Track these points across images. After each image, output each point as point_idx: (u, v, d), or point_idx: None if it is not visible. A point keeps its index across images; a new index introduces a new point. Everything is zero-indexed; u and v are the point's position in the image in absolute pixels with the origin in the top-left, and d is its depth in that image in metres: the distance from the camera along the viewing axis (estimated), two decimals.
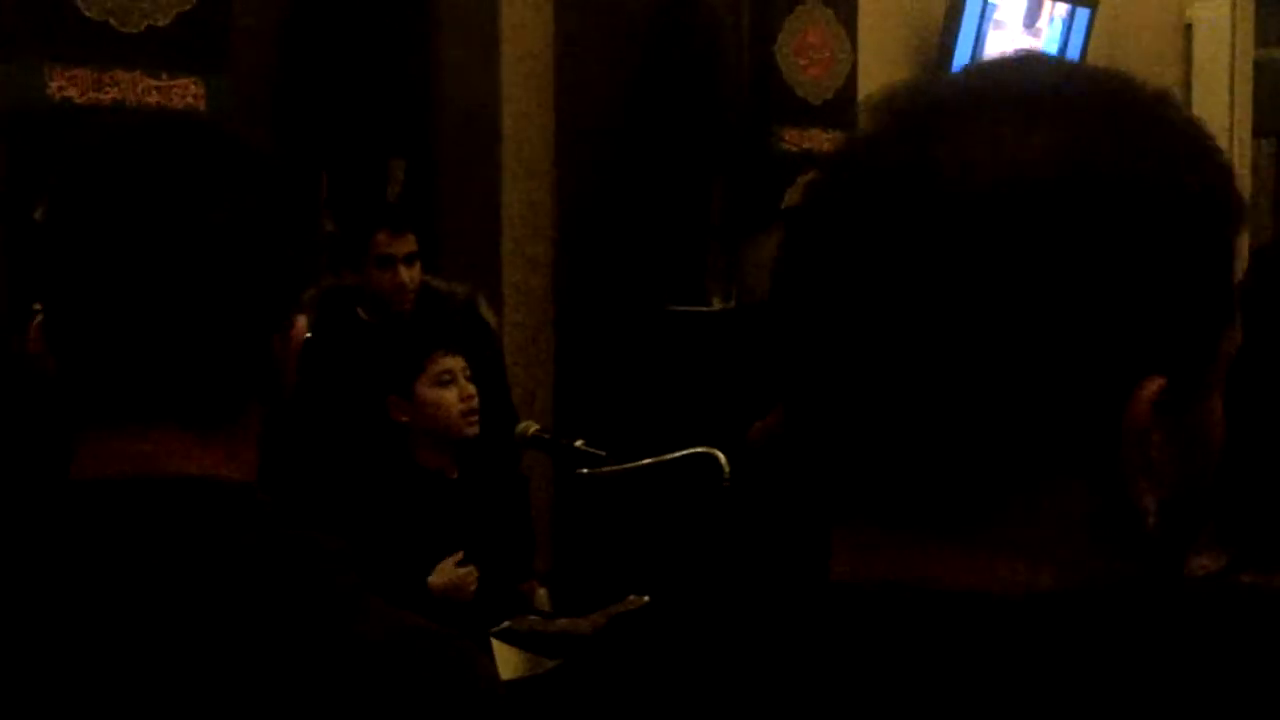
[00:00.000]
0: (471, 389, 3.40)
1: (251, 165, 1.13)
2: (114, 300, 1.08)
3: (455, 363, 3.42)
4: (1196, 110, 0.73)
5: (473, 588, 3.27)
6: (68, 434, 1.11)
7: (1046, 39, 6.53)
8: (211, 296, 1.08)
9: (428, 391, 3.36)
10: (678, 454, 3.06)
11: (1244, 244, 0.78)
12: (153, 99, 3.76)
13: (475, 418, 3.39)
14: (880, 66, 6.02)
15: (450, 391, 3.36)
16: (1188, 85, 7.34)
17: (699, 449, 3.07)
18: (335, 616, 1.04)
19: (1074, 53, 6.58)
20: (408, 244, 4.01)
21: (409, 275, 4.00)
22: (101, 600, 1.03)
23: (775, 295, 0.79)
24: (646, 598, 3.25)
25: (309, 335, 1.29)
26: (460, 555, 3.28)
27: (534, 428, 3.44)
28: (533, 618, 3.38)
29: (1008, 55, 0.80)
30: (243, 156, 1.13)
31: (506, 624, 3.27)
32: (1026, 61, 0.79)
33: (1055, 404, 0.70)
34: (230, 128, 1.21)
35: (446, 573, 3.25)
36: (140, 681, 1.01)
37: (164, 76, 3.79)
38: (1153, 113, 0.74)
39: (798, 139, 5.56)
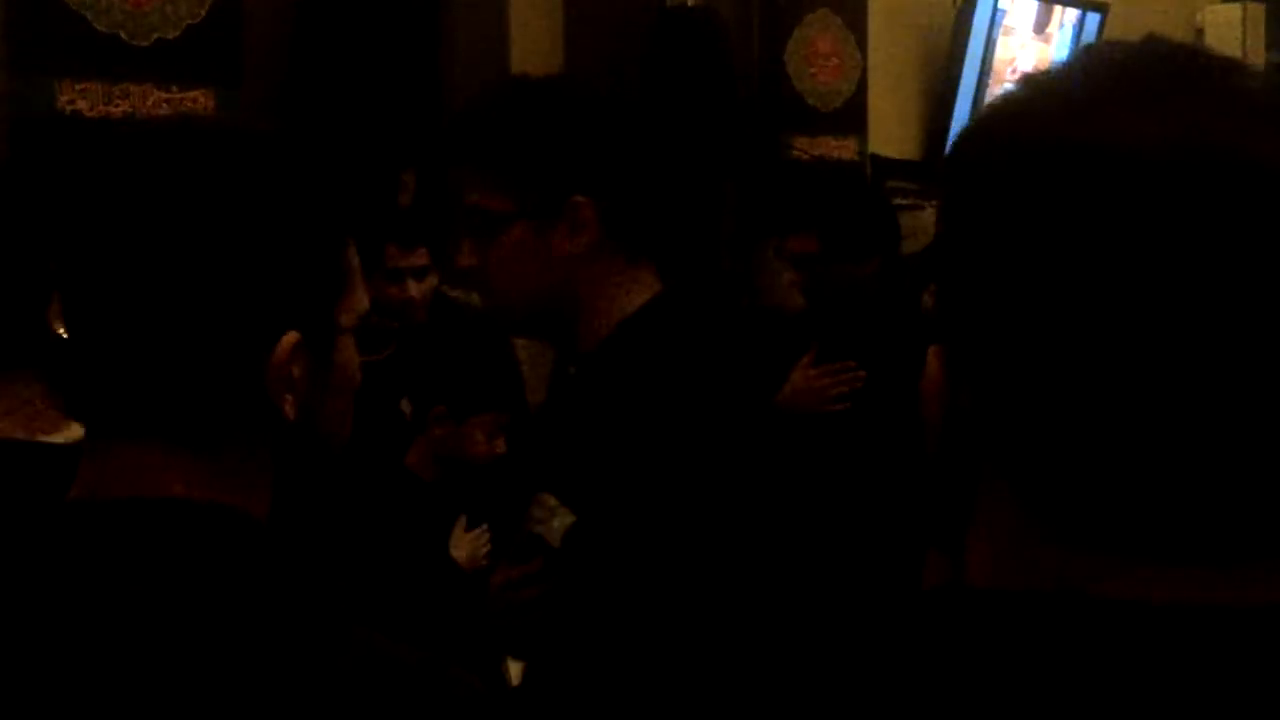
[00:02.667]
0: (502, 445, 3.39)
1: (250, 180, 1.10)
2: (98, 313, 1.07)
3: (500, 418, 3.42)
4: None
5: (486, 549, 3.26)
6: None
7: (1057, 44, 6.51)
8: (196, 311, 1.06)
9: (480, 433, 3.34)
10: None
11: None
12: (163, 111, 3.76)
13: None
14: (889, 73, 6.02)
15: (497, 444, 3.35)
16: None
17: None
18: (312, 647, 1.01)
19: None
20: (419, 258, 3.92)
21: (419, 289, 3.92)
22: (69, 626, 1.01)
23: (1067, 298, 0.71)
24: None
25: (387, 353, 1.26)
26: (463, 519, 3.28)
27: None
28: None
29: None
30: (245, 170, 1.10)
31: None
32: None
33: None
34: (246, 129, 1.18)
35: (465, 545, 3.26)
36: (105, 707, 0.99)
37: (174, 89, 3.79)
38: None
39: (808, 146, 5.56)
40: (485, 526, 3.30)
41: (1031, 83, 0.77)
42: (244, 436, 1.09)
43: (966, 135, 0.78)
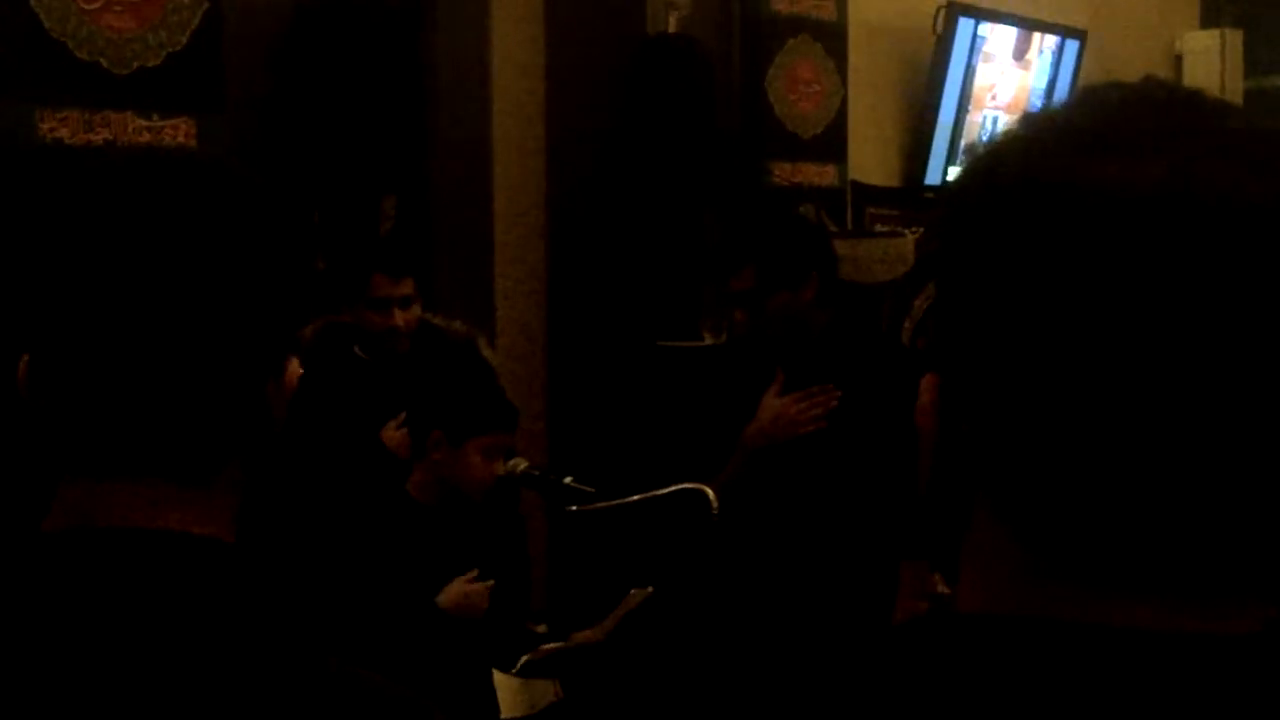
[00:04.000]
0: (501, 467, 3.40)
1: (241, 207, 1.10)
2: (93, 350, 1.06)
3: (510, 441, 3.44)
4: None
5: (484, 605, 3.27)
6: (48, 480, 1.10)
7: (1036, 71, 6.54)
8: (201, 346, 1.05)
9: (477, 455, 3.34)
10: (666, 490, 3.06)
11: None
12: (144, 139, 3.76)
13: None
14: (870, 100, 6.04)
15: (496, 465, 3.36)
16: None
17: (687, 485, 3.07)
18: (290, 678, 1.01)
19: (1064, 84, 6.60)
20: (405, 287, 3.97)
21: (404, 318, 3.96)
22: (50, 656, 1.01)
23: (1008, 327, 0.74)
24: (650, 588, 3.24)
25: (301, 373, 1.28)
26: (475, 573, 3.28)
27: (523, 465, 3.44)
28: (548, 646, 3.39)
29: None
30: (232, 198, 1.10)
31: (525, 659, 3.27)
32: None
33: None
34: (219, 164, 1.18)
35: (455, 591, 3.25)
36: None
37: (155, 117, 3.79)
38: None
39: (789, 173, 5.58)
40: (476, 573, 3.29)
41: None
42: (226, 469, 1.09)
43: (968, 171, 0.80)
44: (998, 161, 0.78)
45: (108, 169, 1.12)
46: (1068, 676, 0.71)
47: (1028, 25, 6.45)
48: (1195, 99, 0.77)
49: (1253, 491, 0.71)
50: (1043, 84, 6.57)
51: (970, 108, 6.22)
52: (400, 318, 3.96)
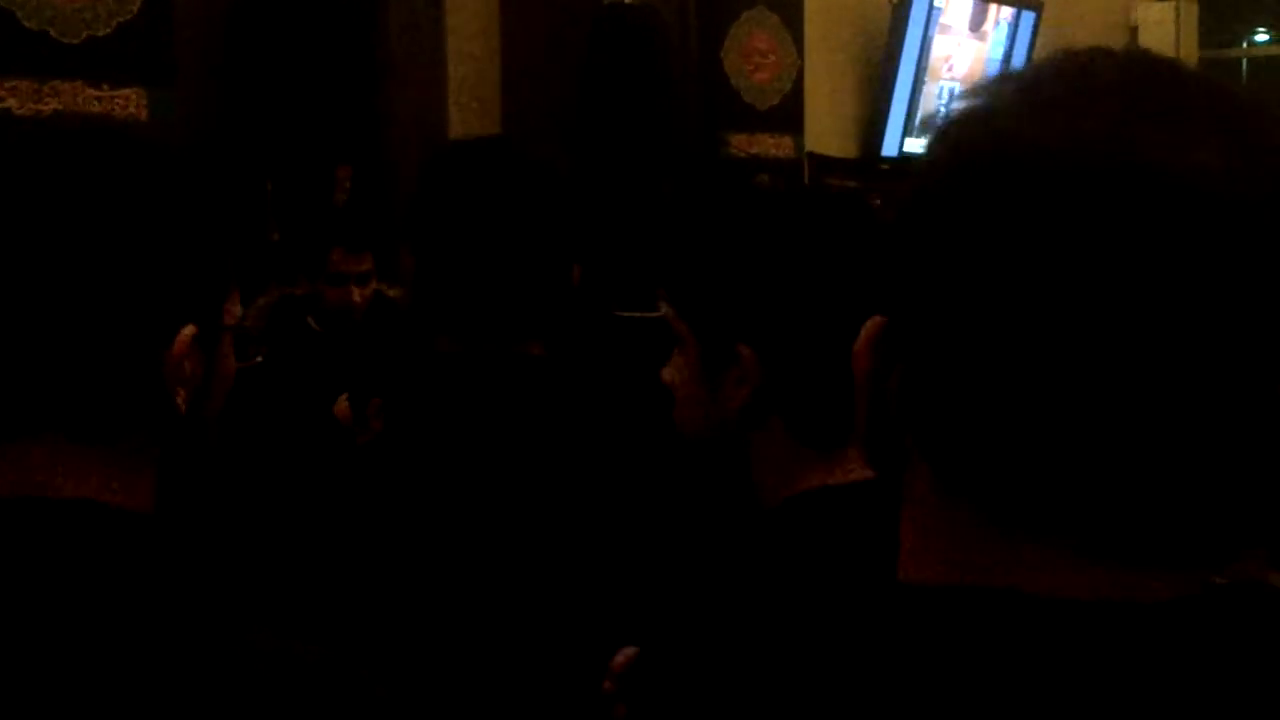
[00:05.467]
0: None
1: (143, 174, 1.09)
2: None
3: None
4: None
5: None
6: None
7: (992, 42, 6.56)
8: (84, 306, 1.04)
9: None
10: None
11: None
12: (95, 109, 3.72)
13: None
14: (827, 71, 6.04)
15: None
16: None
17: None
18: (199, 646, 1.00)
19: (1020, 55, 6.62)
20: (364, 263, 3.95)
21: (361, 294, 3.94)
22: None
23: (959, 297, 0.74)
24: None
25: (259, 359, 1.27)
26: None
27: None
28: None
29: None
30: (136, 166, 1.10)
31: None
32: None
33: None
34: (138, 134, 1.18)
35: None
36: None
37: (105, 87, 3.75)
38: None
39: (745, 144, 5.57)
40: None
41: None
42: (136, 431, 1.09)
43: (934, 135, 0.80)
44: (950, 127, 0.78)
45: (27, 135, 1.12)
46: (1000, 647, 0.71)
47: None
48: (1145, 62, 0.77)
49: (1186, 460, 0.70)
50: (999, 55, 6.59)
51: (927, 79, 6.23)
52: (358, 294, 3.94)
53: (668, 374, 1.58)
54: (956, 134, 0.77)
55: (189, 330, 1.09)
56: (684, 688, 0.82)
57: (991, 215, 0.72)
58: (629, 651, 1.67)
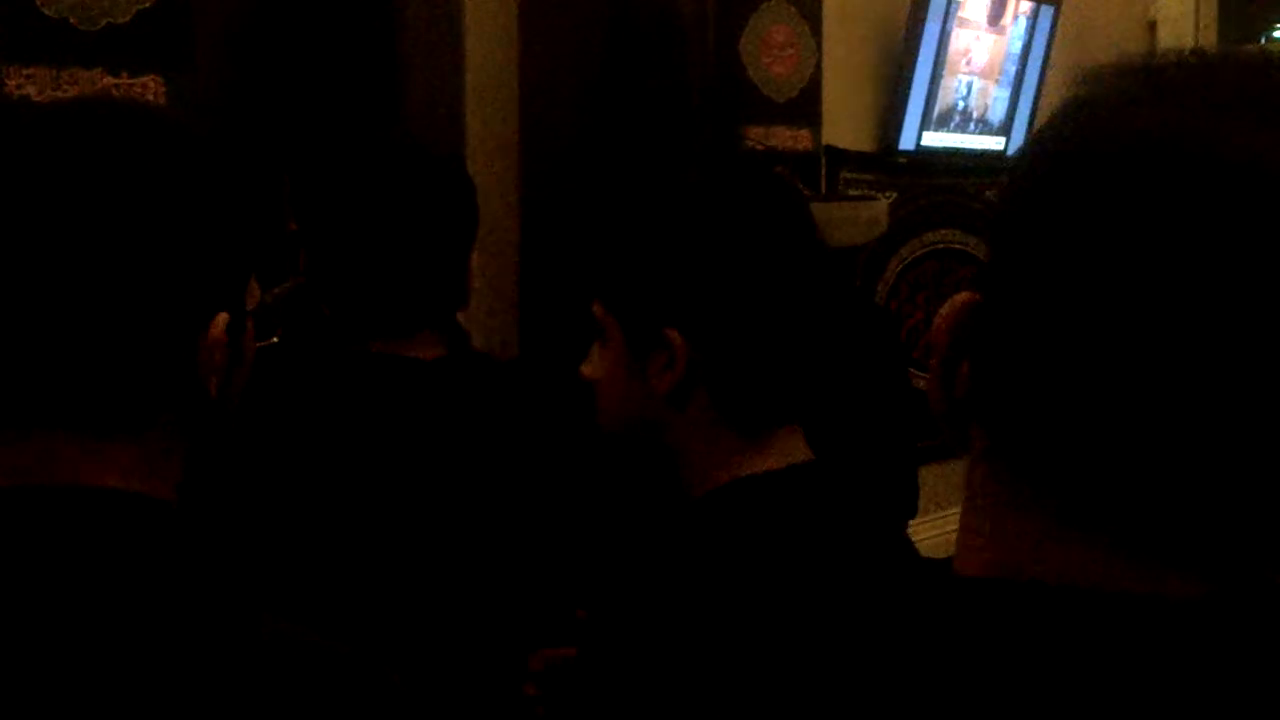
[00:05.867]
0: None
1: (174, 159, 1.09)
2: (18, 303, 1.04)
3: None
4: None
5: None
6: None
7: (1011, 36, 6.53)
8: (117, 296, 1.04)
9: None
10: None
11: None
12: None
13: None
14: (845, 64, 6.02)
15: None
16: None
17: None
18: (222, 634, 1.00)
19: (1039, 50, 6.59)
20: None
21: None
22: None
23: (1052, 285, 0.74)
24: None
25: (274, 341, 1.27)
26: None
27: None
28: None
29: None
30: (168, 150, 1.09)
31: None
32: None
33: None
34: (154, 116, 1.17)
35: None
36: (9, 699, 0.96)
37: (124, 75, 3.75)
38: None
39: (762, 136, 5.56)
40: None
41: (1090, 78, 0.78)
42: (166, 419, 1.08)
43: (1038, 128, 0.80)
44: (1044, 126, 0.78)
45: (28, 118, 1.11)
46: (1054, 643, 0.71)
47: None
48: (1218, 56, 0.77)
49: (1253, 461, 0.70)
50: (1018, 49, 6.56)
51: (945, 72, 6.21)
52: None
53: (588, 369, 1.58)
54: (1053, 127, 0.78)
55: (224, 317, 1.09)
56: (605, 690, 0.82)
57: (1073, 208, 0.72)
58: (547, 654, 1.67)
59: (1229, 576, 0.72)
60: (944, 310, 0.80)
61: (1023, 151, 0.79)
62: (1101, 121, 0.74)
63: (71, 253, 1.03)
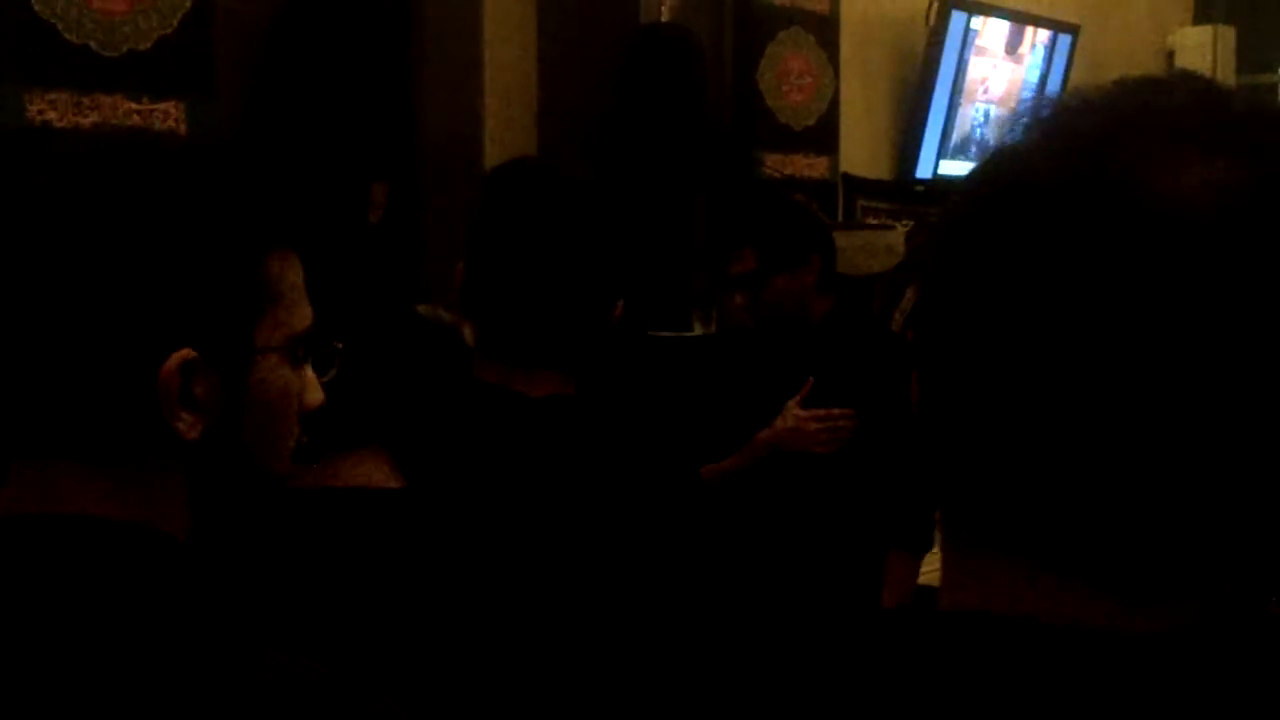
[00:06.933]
0: None
1: (144, 194, 1.07)
2: None
3: None
4: None
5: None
6: None
7: (1029, 65, 6.54)
8: (84, 325, 1.03)
9: None
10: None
11: None
12: (134, 122, 3.75)
13: None
14: (862, 92, 6.03)
15: None
16: None
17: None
18: (219, 665, 0.99)
19: (1056, 78, 6.60)
20: None
21: None
22: None
23: (941, 317, 0.75)
24: None
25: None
26: None
27: None
28: None
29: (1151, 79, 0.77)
30: (141, 185, 1.07)
31: None
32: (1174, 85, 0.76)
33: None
34: (158, 143, 1.15)
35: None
36: None
37: (145, 100, 3.78)
38: None
39: (780, 165, 5.57)
40: None
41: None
42: (154, 454, 1.07)
43: (979, 170, 0.81)
44: (990, 152, 0.78)
45: (26, 146, 1.11)
46: (1013, 673, 0.71)
47: (1020, 19, 6.45)
48: (1166, 84, 0.76)
49: (1185, 488, 0.70)
50: (1035, 78, 6.57)
51: (962, 101, 6.22)
52: None
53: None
54: (979, 168, 0.78)
55: (181, 354, 1.07)
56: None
57: (987, 239, 0.72)
58: None
59: (1164, 609, 0.72)
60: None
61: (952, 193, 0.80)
62: (1003, 162, 0.75)
63: (20, 281, 1.02)
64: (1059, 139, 0.73)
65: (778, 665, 0.79)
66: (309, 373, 1.17)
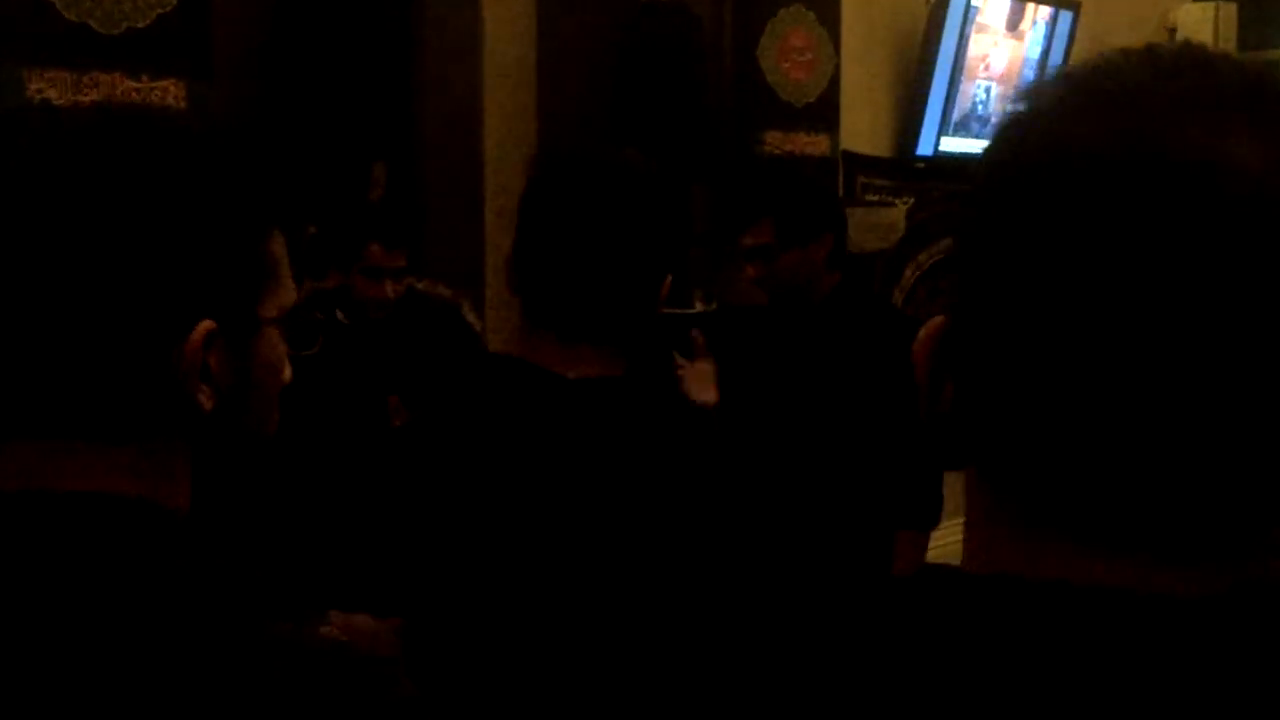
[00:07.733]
0: None
1: (152, 164, 1.06)
2: None
3: None
4: None
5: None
6: None
7: (1030, 42, 6.53)
8: (102, 299, 1.03)
9: None
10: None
11: None
12: (133, 100, 3.74)
13: None
14: (863, 69, 6.02)
15: None
16: None
17: None
18: (223, 640, 0.99)
19: (1057, 55, 6.59)
20: (398, 259, 4.10)
21: (393, 289, 4.10)
22: None
23: (1008, 294, 0.75)
24: None
25: (315, 350, 1.25)
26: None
27: None
28: None
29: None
30: (156, 158, 1.07)
31: None
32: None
33: None
34: (165, 119, 1.15)
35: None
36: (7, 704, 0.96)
37: (144, 78, 3.77)
38: None
39: (781, 142, 5.56)
40: None
41: (1034, 90, 0.78)
42: (159, 429, 1.07)
43: (990, 141, 0.80)
44: (1003, 132, 0.78)
45: (38, 122, 1.11)
46: (1034, 635, 0.71)
47: None
48: (1174, 54, 0.76)
49: (1225, 457, 0.70)
50: (1036, 55, 6.56)
51: (963, 78, 6.21)
52: (390, 289, 4.09)
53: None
54: (1008, 139, 0.78)
55: (205, 325, 1.07)
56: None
57: (1030, 217, 0.72)
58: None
59: (1205, 575, 0.72)
60: (922, 334, 0.81)
61: (976, 170, 0.79)
62: (1041, 134, 0.74)
63: (33, 258, 1.02)
64: (1098, 111, 0.73)
65: (818, 632, 0.80)
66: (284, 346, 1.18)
